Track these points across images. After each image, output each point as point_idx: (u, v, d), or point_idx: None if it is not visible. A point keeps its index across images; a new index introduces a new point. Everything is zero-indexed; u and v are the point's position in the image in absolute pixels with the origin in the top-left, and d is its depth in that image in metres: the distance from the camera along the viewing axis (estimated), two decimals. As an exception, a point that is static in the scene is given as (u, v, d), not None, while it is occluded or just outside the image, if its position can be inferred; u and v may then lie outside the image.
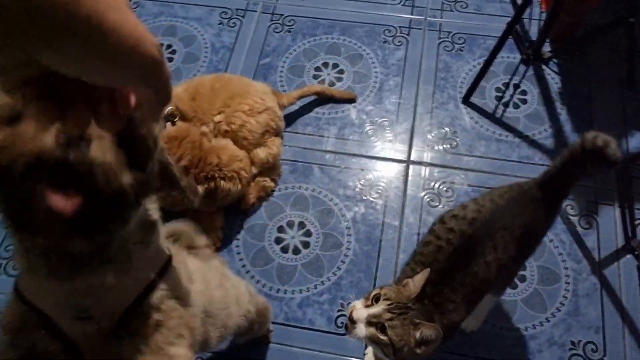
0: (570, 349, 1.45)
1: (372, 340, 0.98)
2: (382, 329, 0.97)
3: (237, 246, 1.62)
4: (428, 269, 1.02)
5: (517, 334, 1.47)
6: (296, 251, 1.61)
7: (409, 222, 1.64)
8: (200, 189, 1.46)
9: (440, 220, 1.14)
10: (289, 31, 2.04)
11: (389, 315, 0.97)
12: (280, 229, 1.65)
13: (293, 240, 1.63)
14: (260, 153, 1.61)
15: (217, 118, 1.54)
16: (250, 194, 1.63)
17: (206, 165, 1.46)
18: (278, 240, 1.63)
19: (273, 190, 1.69)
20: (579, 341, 1.46)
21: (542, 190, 1.12)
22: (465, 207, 1.13)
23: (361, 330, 0.98)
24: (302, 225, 1.65)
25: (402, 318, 0.97)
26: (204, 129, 1.51)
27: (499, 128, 1.79)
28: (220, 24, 2.07)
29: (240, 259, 1.60)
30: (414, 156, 1.75)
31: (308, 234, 1.63)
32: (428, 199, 1.67)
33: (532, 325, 1.48)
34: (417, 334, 0.96)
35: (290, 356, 1.45)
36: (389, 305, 0.98)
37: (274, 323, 1.49)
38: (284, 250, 1.61)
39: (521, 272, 1.55)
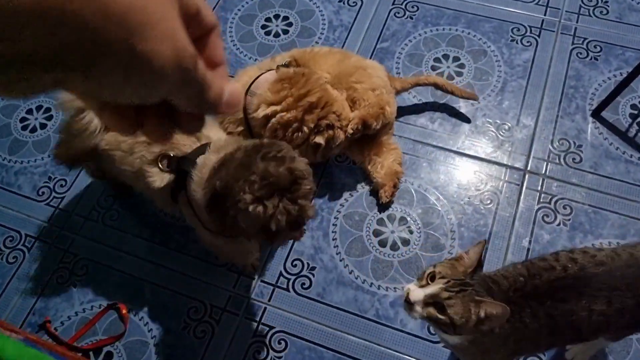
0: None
1: (431, 319, 0.94)
2: (442, 308, 0.92)
3: (334, 232, 1.56)
4: (483, 241, 0.99)
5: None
6: (394, 247, 1.53)
7: (518, 234, 1.53)
8: (321, 138, 1.45)
9: (569, 250, 1.06)
10: (411, 17, 1.95)
11: (446, 294, 0.92)
12: (380, 222, 1.57)
13: (393, 234, 1.55)
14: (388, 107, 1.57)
15: (326, 76, 1.55)
16: (385, 185, 1.57)
17: (330, 113, 1.45)
18: (377, 233, 1.56)
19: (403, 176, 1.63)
20: None
21: None
22: (601, 249, 1.05)
23: (419, 311, 0.94)
24: (403, 220, 1.57)
25: (461, 296, 0.92)
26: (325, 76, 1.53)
27: (630, 148, 1.64)
28: (340, 1, 2.00)
29: (335, 246, 1.54)
30: (532, 166, 1.63)
31: (409, 230, 1.55)
32: (542, 214, 1.55)
33: None
34: (481, 312, 0.91)
35: (376, 355, 1.38)
36: (445, 283, 0.93)
37: (363, 317, 1.43)
38: (382, 244, 1.54)
39: None
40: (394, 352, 1.38)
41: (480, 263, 0.97)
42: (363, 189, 1.63)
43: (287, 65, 1.52)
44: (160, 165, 1.20)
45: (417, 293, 0.94)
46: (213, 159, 1.13)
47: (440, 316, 0.92)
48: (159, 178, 1.22)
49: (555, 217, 1.54)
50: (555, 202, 1.56)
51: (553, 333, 1.00)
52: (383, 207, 1.59)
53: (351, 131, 1.50)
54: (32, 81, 0.27)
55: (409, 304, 0.95)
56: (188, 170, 1.16)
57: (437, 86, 1.72)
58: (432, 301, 0.93)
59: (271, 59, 1.60)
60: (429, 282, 0.95)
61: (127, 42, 0.27)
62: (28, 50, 0.25)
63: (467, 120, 1.72)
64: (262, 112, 1.43)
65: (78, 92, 0.30)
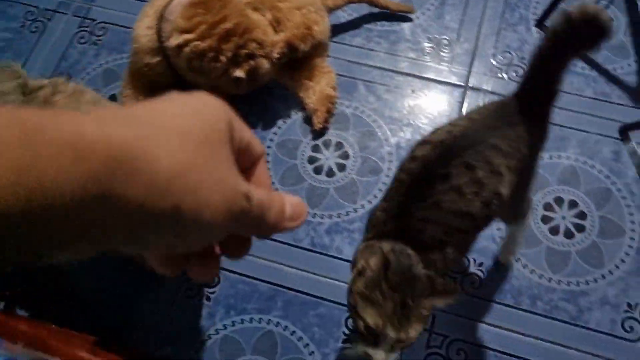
0: (626, 312, 1.29)
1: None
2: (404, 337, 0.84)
3: (268, 161, 1.49)
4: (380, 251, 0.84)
5: (567, 287, 1.31)
6: (330, 173, 1.47)
7: (458, 154, 1.46)
8: (241, 72, 1.34)
9: (411, 150, 0.96)
10: None
11: (404, 336, 0.83)
12: (315, 148, 1.50)
13: (328, 161, 1.48)
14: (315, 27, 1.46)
15: None
16: (317, 111, 1.48)
17: (250, 41, 1.34)
18: (311, 160, 1.49)
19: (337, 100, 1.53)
20: (637, 304, 1.29)
21: (522, 96, 0.94)
22: (438, 129, 0.95)
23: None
24: (339, 145, 1.50)
25: (409, 317, 0.83)
26: None
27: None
28: None
29: (269, 176, 1.47)
30: (472, 82, 1.55)
31: (345, 156, 1.48)
32: (483, 131, 1.49)
33: (585, 281, 1.32)
34: (428, 312, 0.85)
35: (313, 284, 1.34)
36: (392, 327, 0.83)
37: (298, 247, 1.37)
38: (317, 171, 1.47)
39: (580, 221, 1.37)
40: (331, 280, 1.34)
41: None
42: (296, 115, 1.55)
43: None
44: None
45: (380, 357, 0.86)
46: None
47: (407, 343, 0.86)
48: None
49: (496, 134, 1.48)
50: (496, 117, 1.50)
51: (450, 231, 0.91)
52: (317, 133, 1.51)
53: (277, 56, 1.40)
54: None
55: None
56: None
57: (371, 2, 1.62)
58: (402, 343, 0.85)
59: None
60: (375, 341, 0.85)
61: (173, 210, 0.26)
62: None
63: (405, 37, 1.63)
64: (174, 41, 1.32)
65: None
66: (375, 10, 1.65)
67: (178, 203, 0.26)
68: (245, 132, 0.33)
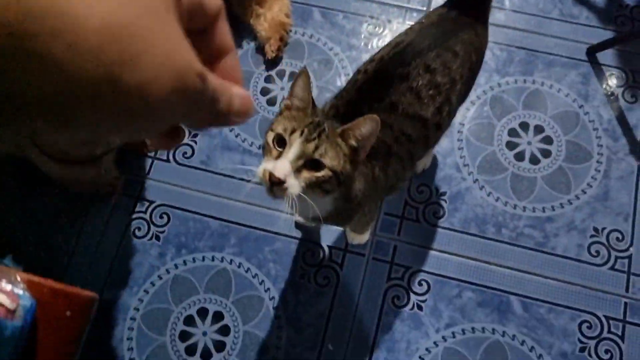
0: (592, 236, 1.24)
1: (310, 185, 0.73)
2: (316, 164, 0.72)
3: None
4: (304, 70, 0.74)
5: (533, 214, 1.26)
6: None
7: (420, 81, 1.39)
8: None
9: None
10: None
11: (312, 145, 0.72)
12: (269, 79, 1.41)
13: (282, 92, 1.39)
14: None
15: None
16: (270, 39, 1.38)
17: None
18: (264, 91, 1.40)
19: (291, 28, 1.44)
20: (604, 228, 1.25)
21: (456, 5, 0.91)
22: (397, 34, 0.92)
23: (294, 185, 0.71)
24: (294, 75, 1.41)
25: (324, 138, 0.73)
26: None
27: (541, -21, 1.49)
28: None
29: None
30: (435, 4, 1.47)
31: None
32: (446, 57, 1.41)
33: (550, 207, 1.27)
34: (352, 141, 0.74)
35: (267, 219, 1.27)
36: (301, 135, 0.72)
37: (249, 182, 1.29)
38: (271, 102, 1.38)
39: (546, 146, 1.31)
40: (287, 215, 1.27)
41: (312, 99, 0.77)
42: (248, 45, 1.45)
43: None
44: None
45: (281, 165, 0.71)
46: None
47: (319, 174, 0.72)
48: None
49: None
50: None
51: (400, 138, 0.85)
52: (271, 63, 1.42)
53: None
54: None
55: (276, 185, 0.71)
56: None
57: None
58: (302, 163, 0.72)
59: None
60: (278, 148, 0.73)
61: (108, 79, 0.21)
62: None
63: (363, -39, 1.53)
64: None
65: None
66: None
67: (114, 71, 0.21)
68: None
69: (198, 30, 0.28)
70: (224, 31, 0.31)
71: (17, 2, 0.20)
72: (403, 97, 0.82)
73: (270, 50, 1.38)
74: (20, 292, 0.60)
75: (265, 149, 0.75)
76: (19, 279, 0.65)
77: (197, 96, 0.26)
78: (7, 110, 0.21)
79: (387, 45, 0.89)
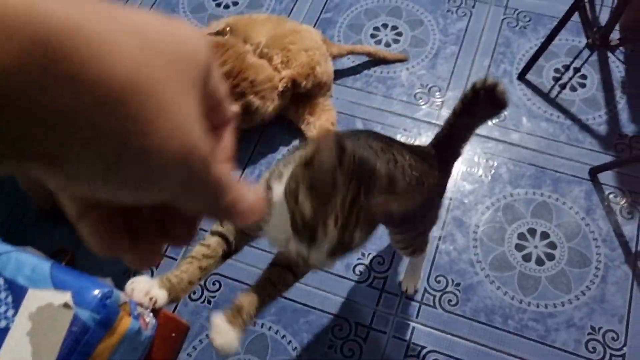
0: (589, 334, 1.40)
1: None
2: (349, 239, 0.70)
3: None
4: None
5: (536, 309, 1.44)
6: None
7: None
8: (235, 107, 1.52)
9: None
10: (354, -10, 2.05)
11: (347, 236, 0.69)
12: (315, 175, 1.67)
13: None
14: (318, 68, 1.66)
15: (262, 40, 1.63)
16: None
17: (242, 80, 1.53)
18: (310, 185, 1.65)
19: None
20: (600, 327, 1.41)
21: (436, 149, 1.08)
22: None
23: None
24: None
25: (358, 207, 0.68)
26: (248, 47, 1.60)
27: (551, 108, 1.75)
28: (288, -25, 2.10)
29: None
30: (459, 124, 1.73)
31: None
32: (466, 168, 1.65)
33: (552, 304, 1.44)
34: (391, 203, 0.71)
35: (304, 294, 1.48)
36: (340, 225, 0.67)
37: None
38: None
39: (550, 251, 1.51)
40: (321, 292, 1.48)
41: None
42: (298, 144, 1.73)
43: (220, 33, 1.62)
44: None
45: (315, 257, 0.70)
46: None
47: (348, 248, 0.71)
48: None
49: (479, 169, 1.64)
50: (479, 157, 1.67)
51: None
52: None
53: (281, 89, 1.59)
54: None
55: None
56: None
57: (370, 54, 1.83)
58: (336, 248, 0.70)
59: (208, 26, 1.70)
60: (312, 238, 0.69)
61: (118, 135, 0.21)
62: None
63: (401, 83, 1.82)
64: None
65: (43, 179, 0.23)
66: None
67: (124, 126, 0.21)
68: (221, 87, 0.28)
69: (208, 129, 0.26)
70: (228, 142, 0.30)
71: (46, 41, 0.18)
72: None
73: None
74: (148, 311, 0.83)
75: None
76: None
77: (196, 179, 0.25)
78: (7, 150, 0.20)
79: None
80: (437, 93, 1.80)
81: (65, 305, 0.78)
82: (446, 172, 1.15)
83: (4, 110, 0.19)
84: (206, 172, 0.25)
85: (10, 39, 0.18)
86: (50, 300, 0.80)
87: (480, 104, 0.99)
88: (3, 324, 0.81)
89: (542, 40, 1.86)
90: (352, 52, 1.83)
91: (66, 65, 0.19)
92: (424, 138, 1.71)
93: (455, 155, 1.14)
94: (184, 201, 0.26)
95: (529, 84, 1.79)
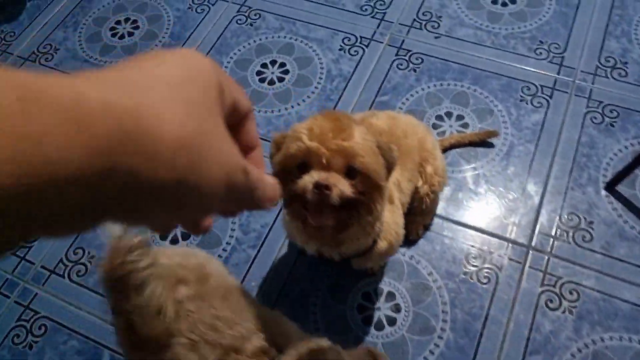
0: None
1: None
2: None
3: (315, 305, 1.42)
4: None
5: None
6: (379, 326, 1.39)
7: (518, 320, 1.37)
8: None
9: None
10: (415, 70, 1.83)
11: None
12: (366, 296, 1.43)
13: (378, 312, 1.41)
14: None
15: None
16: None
17: None
18: (360, 309, 1.42)
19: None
20: None
21: None
22: None
23: None
24: (391, 296, 1.43)
25: None
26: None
27: (648, 228, 1.49)
28: (341, 49, 1.90)
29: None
30: (536, 242, 1.48)
31: (397, 308, 1.41)
32: (546, 298, 1.39)
33: None
34: None
35: None
36: None
37: None
38: (366, 321, 1.40)
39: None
40: None
41: None
42: (349, 257, 1.50)
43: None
44: None
45: None
46: None
47: None
48: None
49: (560, 303, 1.38)
50: (561, 285, 1.41)
51: None
52: (370, 277, 1.45)
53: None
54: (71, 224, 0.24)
55: None
56: None
57: (456, 145, 1.62)
58: None
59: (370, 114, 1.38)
60: None
61: (177, 182, 0.25)
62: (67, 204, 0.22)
63: (467, 185, 1.59)
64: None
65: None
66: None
67: (183, 176, 0.25)
68: (232, 90, 0.31)
69: (231, 126, 0.31)
70: (252, 129, 0.35)
71: (117, 128, 0.23)
72: None
73: (373, 271, 1.43)
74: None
75: None
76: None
77: (241, 189, 0.30)
78: (94, 213, 0.24)
79: None
80: (510, 201, 1.55)
81: None
82: None
83: (124, 188, 0.23)
84: (247, 181, 0.30)
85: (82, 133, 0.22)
86: None
87: None
88: None
89: (633, 142, 1.62)
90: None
91: (139, 143, 0.24)
92: (495, 257, 1.47)
93: None
94: (228, 207, 0.33)
95: (620, 197, 1.53)
